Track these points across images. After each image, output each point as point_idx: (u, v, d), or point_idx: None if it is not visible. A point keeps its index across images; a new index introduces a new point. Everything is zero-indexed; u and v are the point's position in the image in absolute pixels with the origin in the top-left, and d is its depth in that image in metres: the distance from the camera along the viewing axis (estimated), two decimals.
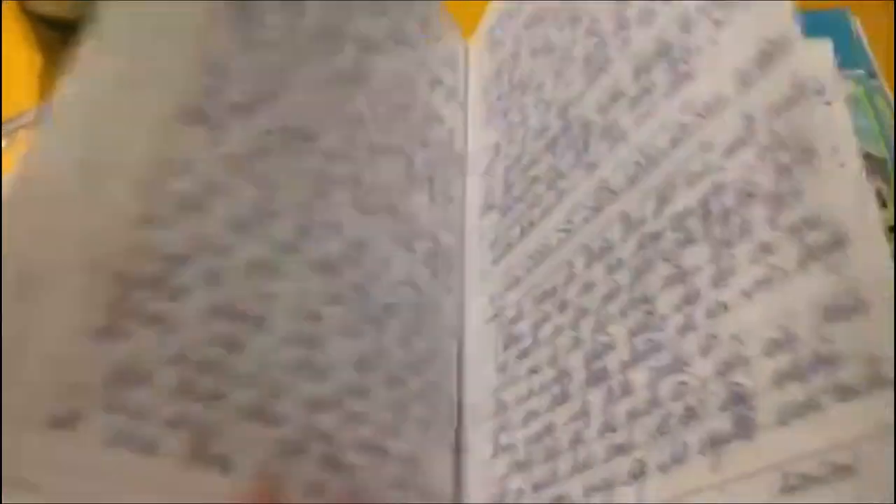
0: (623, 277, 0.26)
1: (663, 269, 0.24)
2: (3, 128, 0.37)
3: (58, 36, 0.39)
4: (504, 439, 0.29)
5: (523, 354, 0.29)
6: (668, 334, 0.24)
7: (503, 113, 0.35)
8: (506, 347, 0.30)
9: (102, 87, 0.22)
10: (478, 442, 0.30)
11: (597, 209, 0.28)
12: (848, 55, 0.38)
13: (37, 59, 0.39)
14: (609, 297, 0.26)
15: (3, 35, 0.39)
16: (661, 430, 0.23)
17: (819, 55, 0.22)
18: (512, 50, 0.37)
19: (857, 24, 0.40)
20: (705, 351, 0.22)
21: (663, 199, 0.25)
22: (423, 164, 0.33)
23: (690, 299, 0.23)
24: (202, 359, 0.23)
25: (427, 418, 0.29)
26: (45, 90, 0.38)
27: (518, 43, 0.36)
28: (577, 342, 0.27)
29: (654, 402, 0.23)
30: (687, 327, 0.23)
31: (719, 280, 0.23)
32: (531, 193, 0.32)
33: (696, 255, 0.23)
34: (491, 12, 0.40)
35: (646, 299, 0.25)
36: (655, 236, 0.25)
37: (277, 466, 0.23)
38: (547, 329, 0.29)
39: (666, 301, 0.24)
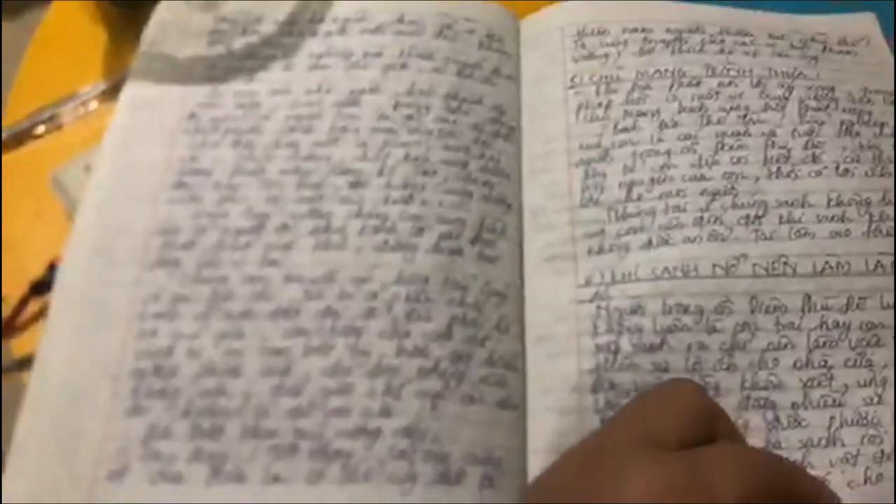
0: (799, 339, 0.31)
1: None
2: (72, 100, 0.38)
3: (124, 12, 0.40)
4: None
5: (649, 349, 0.31)
6: None
7: (614, 124, 0.37)
8: (609, 331, 0.32)
9: None
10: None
11: (769, 272, 0.32)
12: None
13: (102, 35, 0.40)
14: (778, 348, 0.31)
15: (71, 10, 0.40)
16: None
17: None
18: (616, 64, 0.38)
19: None
20: None
21: None
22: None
23: None
24: (202, 407, 0.30)
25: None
26: (110, 65, 0.39)
27: (619, 58, 0.38)
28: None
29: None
30: None
31: None
32: (671, 218, 0.34)
33: None
34: (574, 11, 0.40)
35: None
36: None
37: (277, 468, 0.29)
38: (682, 339, 0.31)
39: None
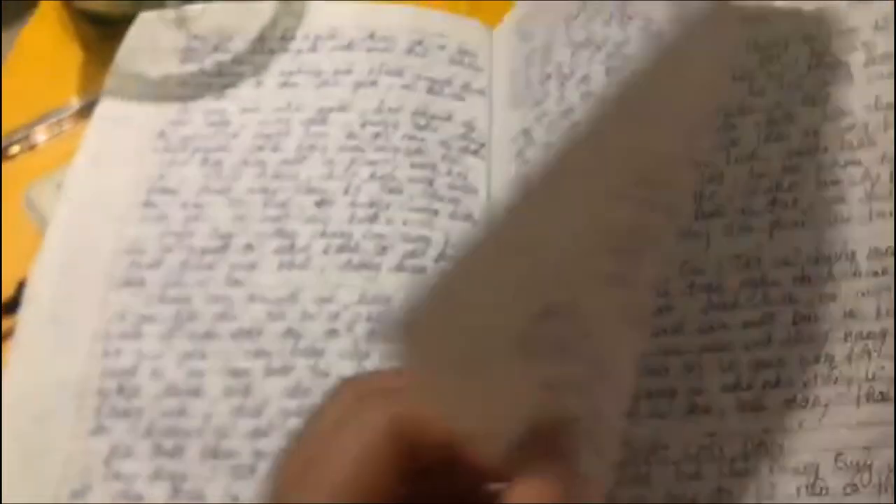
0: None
1: None
2: (46, 120, 0.38)
3: (100, 31, 0.40)
4: None
5: None
6: None
7: (535, 102, 0.36)
8: None
9: None
10: None
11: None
12: None
13: (79, 54, 0.40)
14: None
15: (47, 30, 0.40)
16: None
17: None
18: (545, 41, 0.37)
19: None
20: None
21: None
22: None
23: None
24: (163, 427, 0.30)
25: None
26: (86, 84, 0.39)
27: (552, 34, 0.37)
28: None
29: None
30: None
31: None
32: None
33: None
34: (520, 5, 0.40)
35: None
36: None
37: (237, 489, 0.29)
38: None
39: None
